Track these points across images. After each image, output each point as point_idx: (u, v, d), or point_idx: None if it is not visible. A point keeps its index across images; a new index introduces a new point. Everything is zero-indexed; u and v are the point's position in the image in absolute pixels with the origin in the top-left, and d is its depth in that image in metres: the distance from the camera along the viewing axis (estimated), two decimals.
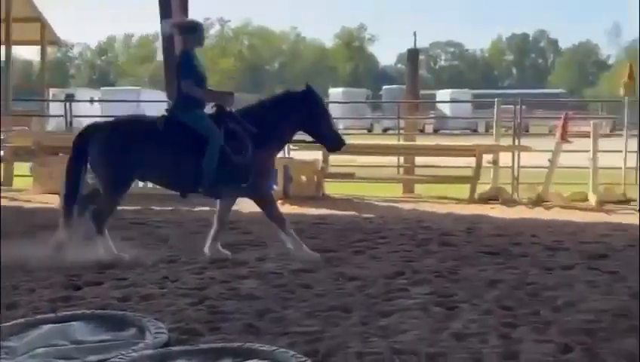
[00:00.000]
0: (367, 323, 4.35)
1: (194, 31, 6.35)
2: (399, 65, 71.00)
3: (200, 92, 6.25)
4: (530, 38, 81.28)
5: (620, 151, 11.24)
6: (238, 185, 6.21)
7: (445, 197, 11.15)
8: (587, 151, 10.85)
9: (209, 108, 6.45)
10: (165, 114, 6.37)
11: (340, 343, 3.90)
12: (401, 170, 12.48)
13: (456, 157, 11.97)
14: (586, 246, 6.93)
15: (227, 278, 5.51)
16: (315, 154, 11.15)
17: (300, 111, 6.28)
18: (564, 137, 10.77)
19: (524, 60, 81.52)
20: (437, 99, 40.73)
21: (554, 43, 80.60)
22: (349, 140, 8.18)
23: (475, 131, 32.52)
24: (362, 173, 11.40)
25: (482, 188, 11.10)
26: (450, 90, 46.35)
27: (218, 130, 6.10)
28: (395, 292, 5.11)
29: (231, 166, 6.04)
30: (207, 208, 9.30)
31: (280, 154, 8.35)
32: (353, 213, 9.41)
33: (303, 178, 11.06)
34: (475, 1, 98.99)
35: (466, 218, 8.94)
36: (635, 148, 11.50)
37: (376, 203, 10.73)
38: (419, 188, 12.05)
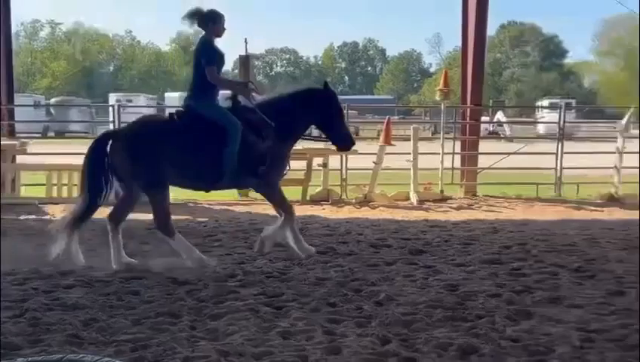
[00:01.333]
0: (196, 328, 4.38)
1: (214, 20, 6.23)
2: (235, 71, 70.95)
3: (220, 79, 6.26)
4: (360, 47, 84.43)
5: (438, 154, 12.05)
6: (255, 175, 6.20)
7: None
8: (408, 153, 11.53)
9: (223, 101, 6.42)
10: (180, 109, 6.26)
11: (167, 349, 3.90)
12: None
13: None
14: (406, 243, 7.40)
15: (51, 288, 5.31)
16: None
17: (317, 108, 6.37)
18: (388, 140, 11.36)
19: (355, 68, 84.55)
20: None
21: (382, 52, 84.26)
22: None
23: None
24: None
25: (313, 189, 11.46)
26: None
27: (237, 119, 6.06)
28: (226, 295, 5.18)
29: (251, 156, 6.03)
30: (32, 217, 8.82)
31: None
32: (188, 217, 9.34)
33: None
34: (309, 10, 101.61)
35: (297, 219, 9.15)
36: (450, 150, 12.38)
37: (212, 206, 10.72)
38: (253, 192, 12.16)
